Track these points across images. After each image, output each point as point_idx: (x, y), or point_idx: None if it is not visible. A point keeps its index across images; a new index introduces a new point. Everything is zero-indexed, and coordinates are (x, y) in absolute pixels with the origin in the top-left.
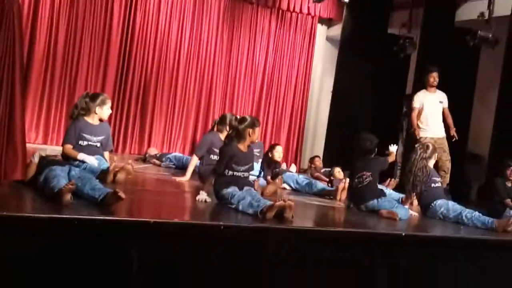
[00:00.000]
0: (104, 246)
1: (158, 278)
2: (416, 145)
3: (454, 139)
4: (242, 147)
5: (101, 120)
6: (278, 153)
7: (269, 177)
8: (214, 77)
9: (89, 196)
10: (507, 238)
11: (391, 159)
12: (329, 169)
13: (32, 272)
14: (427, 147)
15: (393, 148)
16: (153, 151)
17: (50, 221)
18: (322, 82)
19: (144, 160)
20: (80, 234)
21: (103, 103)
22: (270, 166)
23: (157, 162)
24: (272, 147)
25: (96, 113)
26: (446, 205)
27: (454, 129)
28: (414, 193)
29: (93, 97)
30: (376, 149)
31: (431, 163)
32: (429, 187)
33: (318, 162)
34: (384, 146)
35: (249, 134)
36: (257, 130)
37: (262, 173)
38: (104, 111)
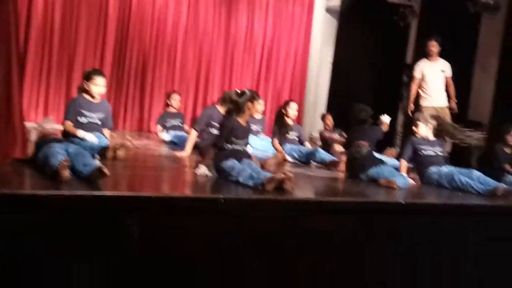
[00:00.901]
0: (105, 221)
1: (159, 252)
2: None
3: (453, 111)
4: (242, 120)
5: (93, 96)
6: (292, 110)
7: (276, 141)
8: (213, 51)
9: (80, 172)
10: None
11: (384, 128)
12: (340, 129)
13: (34, 246)
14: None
15: (385, 118)
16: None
17: (50, 198)
18: (322, 54)
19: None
20: (80, 209)
21: (90, 80)
22: (281, 130)
23: (157, 137)
24: (286, 103)
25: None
26: (438, 172)
27: (455, 101)
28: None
29: (86, 74)
30: (371, 120)
31: (421, 131)
32: (419, 155)
33: (329, 121)
34: (378, 117)
35: (248, 108)
36: (256, 103)
37: (272, 138)
38: (92, 88)
